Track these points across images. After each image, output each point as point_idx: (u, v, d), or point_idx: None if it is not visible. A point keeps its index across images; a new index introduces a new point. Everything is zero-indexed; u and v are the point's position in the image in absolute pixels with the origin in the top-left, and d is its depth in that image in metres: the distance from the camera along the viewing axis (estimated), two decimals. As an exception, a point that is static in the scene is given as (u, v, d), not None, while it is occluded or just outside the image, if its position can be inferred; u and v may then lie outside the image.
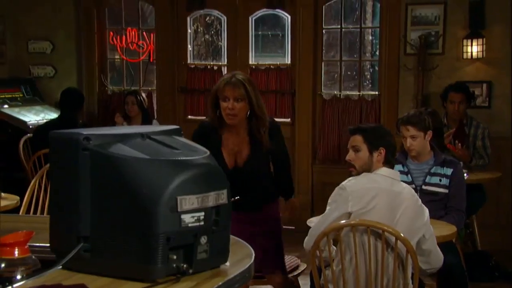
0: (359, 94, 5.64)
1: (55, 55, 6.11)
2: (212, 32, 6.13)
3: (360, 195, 2.68)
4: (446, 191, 3.45)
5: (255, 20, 5.86)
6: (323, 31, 5.70)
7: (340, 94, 5.69)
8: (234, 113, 2.90)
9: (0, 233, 1.67)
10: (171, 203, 1.45)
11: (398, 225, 2.65)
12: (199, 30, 6.16)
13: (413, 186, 3.40)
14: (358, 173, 2.82)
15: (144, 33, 6.00)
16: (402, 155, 3.56)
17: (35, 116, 5.65)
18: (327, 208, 2.78)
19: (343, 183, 2.76)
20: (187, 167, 1.51)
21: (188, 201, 1.47)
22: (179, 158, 1.53)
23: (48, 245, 1.59)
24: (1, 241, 1.40)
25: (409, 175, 3.50)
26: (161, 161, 1.51)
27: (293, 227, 5.81)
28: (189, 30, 5.98)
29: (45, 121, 5.45)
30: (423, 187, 3.46)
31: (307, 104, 5.67)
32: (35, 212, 3.38)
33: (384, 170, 2.80)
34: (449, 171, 3.47)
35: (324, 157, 5.72)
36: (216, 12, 5.98)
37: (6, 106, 5.63)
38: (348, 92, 5.70)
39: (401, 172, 3.42)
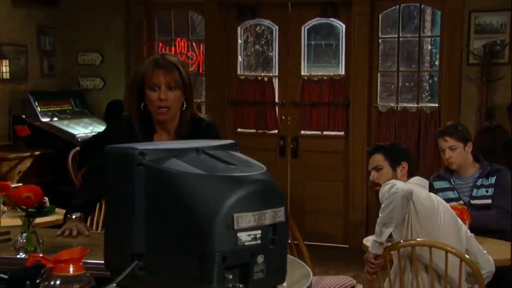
0: (418, 107, 5.56)
1: (104, 67, 6.26)
2: (263, 42, 6.17)
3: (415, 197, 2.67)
4: None
5: (307, 29, 5.87)
6: (380, 40, 5.65)
7: (397, 107, 5.62)
8: (167, 105, 2.33)
9: (54, 249, 1.71)
10: (227, 220, 1.44)
11: (445, 238, 2.63)
12: (249, 40, 6.21)
13: (461, 202, 3.39)
14: None
15: (194, 43, 6.10)
16: (447, 171, 3.55)
17: (83, 129, 5.79)
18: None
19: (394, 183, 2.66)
20: (244, 183, 1.51)
21: (245, 219, 1.46)
22: (235, 174, 1.53)
23: (102, 262, 1.62)
24: (56, 257, 1.43)
25: (455, 191, 3.48)
26: (217, 177, 1.51)
27: (347, 245, 5.74)
28: (239, 41, 6.04)
29: (93, 134, 5.58)
30: (471, 201, 3.43)
31: (362, 117, 5.63)
32: (84, 226, 3.44)
33: (416, 179, 2.83)
34: (493, 180, 3.43)
35: (380, 173, 5.64)
36: (267, 22, 6.02)
37: (55, 119, 5.79)
38: (405, 104, 5.63)
39: (447, 188, 3.44)
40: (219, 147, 1.65)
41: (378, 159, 2.95)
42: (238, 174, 1.53)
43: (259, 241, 1.47)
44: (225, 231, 1.43)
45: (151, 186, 1.53)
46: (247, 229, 1.45)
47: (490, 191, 3.42)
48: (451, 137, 3.46)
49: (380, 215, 2.62)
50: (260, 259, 1.49)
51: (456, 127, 3.54)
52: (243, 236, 1.45)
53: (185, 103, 2.38)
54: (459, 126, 3.57)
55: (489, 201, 3.41)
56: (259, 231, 1.47)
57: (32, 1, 5.93)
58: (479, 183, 3.45)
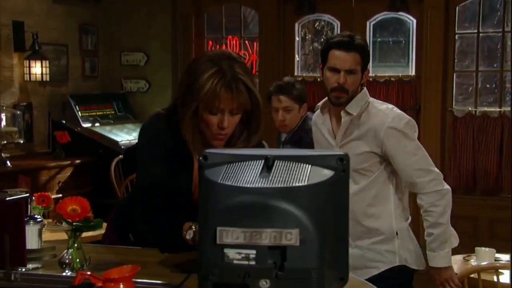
0: (500, 111, 5.55)
1: (149, 67, 6.49)
2: (322, 39, 6.26)
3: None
4: None
5: (373, 25, 5.96)
6: (456, 36, 5.70)
7: (475, 111, 5.63)
8: (227, 133, 2.13)
9: (102, 266, 1.85)
10: (212, 232, 1.48)
11: None
12: (306, 37, 6.30)
13: None
14: (348, 99, 2.71)
15: (247, 41, 6.27)
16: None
17: (127, 136, 6.00)
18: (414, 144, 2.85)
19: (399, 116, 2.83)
20: (246, 195, 1.50)
21: (231, 234, 1.46)
22: (244, 185, 1.52)
23: (154, 281, 1.73)
24: (106, 275, 1.53)
25: None
26: (225, 186, 1.53)
27: (421, 268, 5.71)
28: (296, 38, 6.15)
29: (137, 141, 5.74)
30: None
31: (435, 122, 5.67)
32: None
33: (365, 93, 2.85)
34: None
35: (455, 185, 5.64)
36: (327, 17, 6.14)
37: (97, 124, 6.04)
38: (485, 108, 5.63)
39: None
40: (290, 158, 1.59)
41: (357, 59, 2.66)
42: (248, 186, 1.51)
43: (253, 262, 1.48)
44: (211, 244, 1.48)
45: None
46: (235, 246, 1.46)
47: None
48: (288, 96, 3.47)
49: (440, 221, 2.67)
50: (264, 283, 1.49)
51: (294, 85, 3.59)
52: (231, 253, 1.48)
53: (246, 130, 2.16)
54: (297, 85, 3.61)
55: None
56: (253, 251, 1.46)
57: (74, -3, 6.18)
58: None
